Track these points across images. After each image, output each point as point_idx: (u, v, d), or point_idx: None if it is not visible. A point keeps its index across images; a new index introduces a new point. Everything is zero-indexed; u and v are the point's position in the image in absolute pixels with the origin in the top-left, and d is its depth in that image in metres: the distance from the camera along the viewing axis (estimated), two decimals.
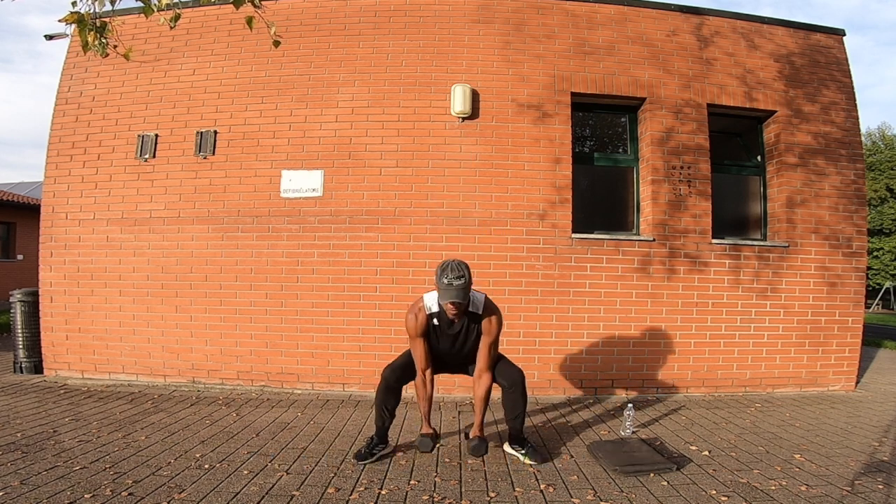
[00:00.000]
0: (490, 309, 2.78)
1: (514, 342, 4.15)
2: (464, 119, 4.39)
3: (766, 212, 4.87)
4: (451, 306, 2.63)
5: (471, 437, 2.91)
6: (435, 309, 2.76)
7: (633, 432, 3.26)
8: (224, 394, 4.17)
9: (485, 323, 2.76)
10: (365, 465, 2.67)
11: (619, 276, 4.37)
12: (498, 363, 2.88)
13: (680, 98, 4.56)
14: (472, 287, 2.70)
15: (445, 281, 2.56)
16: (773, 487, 2.46)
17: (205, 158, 4.49)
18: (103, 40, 2.31)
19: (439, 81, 4.44)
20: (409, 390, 2.98)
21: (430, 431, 2.97)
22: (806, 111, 4.73)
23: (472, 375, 2.92)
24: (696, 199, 4.49)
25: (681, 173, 4.50)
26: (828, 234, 4.64)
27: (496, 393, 2.91)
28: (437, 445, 2.97)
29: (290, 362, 4.33)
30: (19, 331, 4.71)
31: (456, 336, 2.81)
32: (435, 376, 2.93)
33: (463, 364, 2.98)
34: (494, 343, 2.81)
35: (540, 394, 4.24)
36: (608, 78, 4.53)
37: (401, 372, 2.85)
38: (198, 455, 2.76)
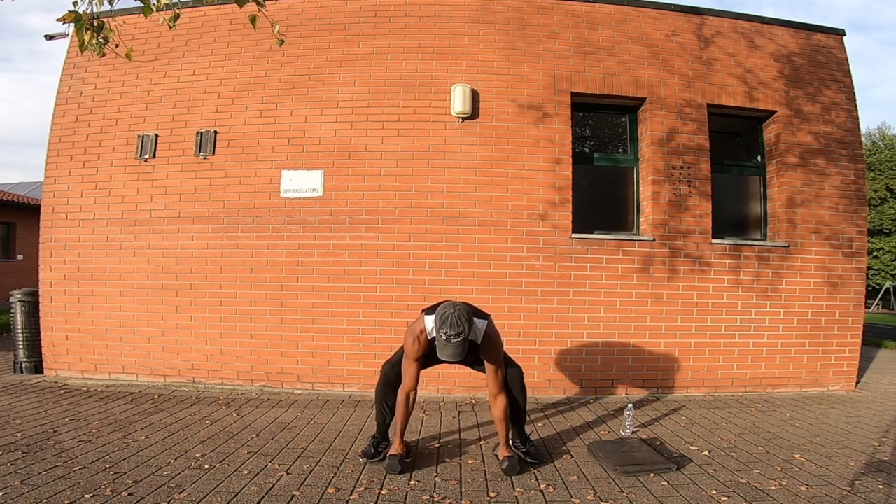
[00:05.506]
0: (489, 339, 2.62)
1: (514, 342, 4.14)
2: (464, 119, 4.39)
3: (767, 212, 4.87)
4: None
5: (500, 457, 2.69)
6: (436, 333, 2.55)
7: (633, 432, 3.26)
8: (224, 394, 4.17)
9: (483, 353, 2.63)
10: (372, 462, 2.69)
11: (620, 276, 4.37)
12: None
13: (680, 98, 4.56)
14: (476, 318, 2.56)
15: (444, 336, 2.40)
16: (773, 487, 2.46)
17: (205, 158, 4.49)
18: (100, 40, 2.31)
19: (439, 81, 4.44)
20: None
21: (401, 451, 2.64)
22: (806, 111, 4.73)
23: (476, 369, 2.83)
24: (697, 200, 4.49)
25: (681, 173, 4.50)
26: (828, 234, 4.64)
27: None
28: (409, 461, 2.72)
29: (290, 362, 4.33)
30: (19, 331, 4.72)
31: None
32: (430, 373, 2.86)
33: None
34: (499, 366, 2.67)
35: (540, 394, 4.24)
36: (609, 78, 4.52)
37: (400, 367, 2.79)
38: (198, 455, 2.76)
